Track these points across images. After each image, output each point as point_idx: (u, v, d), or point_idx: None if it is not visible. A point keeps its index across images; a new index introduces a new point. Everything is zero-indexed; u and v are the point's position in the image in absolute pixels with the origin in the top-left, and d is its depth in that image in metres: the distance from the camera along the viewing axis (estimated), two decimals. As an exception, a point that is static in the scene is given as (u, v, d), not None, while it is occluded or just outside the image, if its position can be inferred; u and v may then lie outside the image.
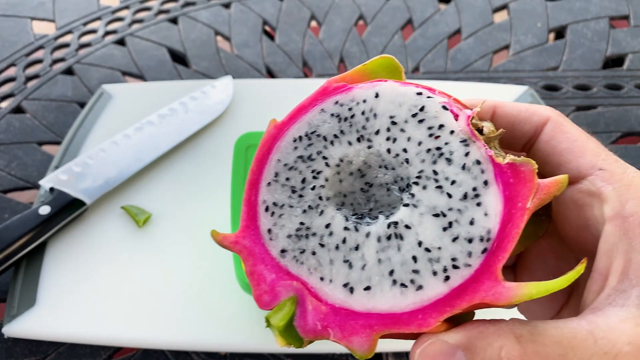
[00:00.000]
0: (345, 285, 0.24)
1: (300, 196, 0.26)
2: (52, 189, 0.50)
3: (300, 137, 0.27)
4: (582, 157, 0.25)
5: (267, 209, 0.26)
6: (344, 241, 0.25)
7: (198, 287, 0.47)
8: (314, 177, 0.26)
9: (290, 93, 0.61)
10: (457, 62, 0.67)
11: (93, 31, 0.71)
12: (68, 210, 0.49)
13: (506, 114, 0.27)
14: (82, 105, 0.62)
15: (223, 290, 0.46)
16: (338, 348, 0.43)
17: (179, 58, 0.68)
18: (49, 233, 0.48)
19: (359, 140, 0.26)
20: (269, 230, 0.26)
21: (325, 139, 0.27)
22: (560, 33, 0.72)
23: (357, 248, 0.24)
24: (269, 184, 0.27)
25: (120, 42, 0.70)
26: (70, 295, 0.46)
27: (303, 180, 0.26)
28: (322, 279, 0.24)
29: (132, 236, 0.50)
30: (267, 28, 0.73)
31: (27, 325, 0.44)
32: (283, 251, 0.25)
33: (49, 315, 0.45)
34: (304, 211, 0.26)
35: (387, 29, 0.71)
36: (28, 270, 0.47)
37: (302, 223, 0.26)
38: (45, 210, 0.48)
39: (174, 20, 0.72)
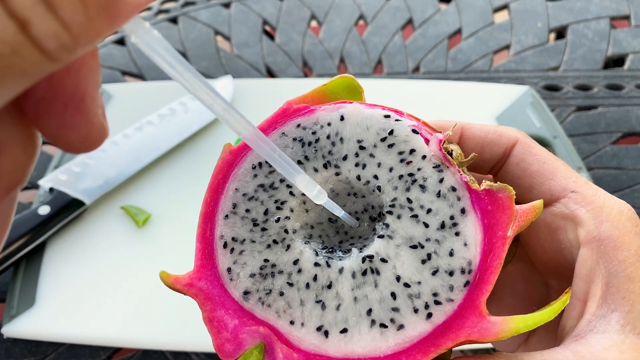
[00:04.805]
0: (319, 328, 0.22)
1: (263, 229, 0.23)
2: (51, 189, 0.50)
3: (260, 164, 0.24)
4: (553, 180, 0.25)
5: (225, 245, 0.23)
6: (315, 279, 0.22)
7: (198, 287, 0.47)
8: (278, 208, 0.24)
9: (290, 93, 0.61)
10: (457, 62, 0.67)
11: (93, 31, 0.71)
12: (67, 210, 0.49)
13: (474, 136, 0.26)
14: (81, 105, 0.62)
15: (223, 291, 0.46)
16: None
17: (179, 58, 0.68)
18: (49, 233, 0.48)
19: (325, 166, 0.24)
20: (229, 270, 0.23)
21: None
22: (560, 33, 0.72)
23: (330, 286, 0.22)
24: (226, 216, 0.24)
25: (120, 41, 0.70)
26: (70, 296, 0.46)
27: (265, 212, 0.24)
28: (292, 322, 0.22)
29: (132, 236, 0.50)
30: (267, 28, 0.72)
31: (26, 326, 0.44)
32: (246, 293, 0.23)
33: (48, 316, 0.45)
34: (268, 246, 0.23)
35: (387, 28, 0.71)
36: (27, 270, 0.47)
37: (266, 260, 0.23)
38: (44, 210, 0.48)
39: (173, 20, 0.72)
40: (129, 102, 0.60)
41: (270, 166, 0.24)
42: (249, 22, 0.72)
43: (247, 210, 0.24)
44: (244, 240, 0.23)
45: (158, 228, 0.50)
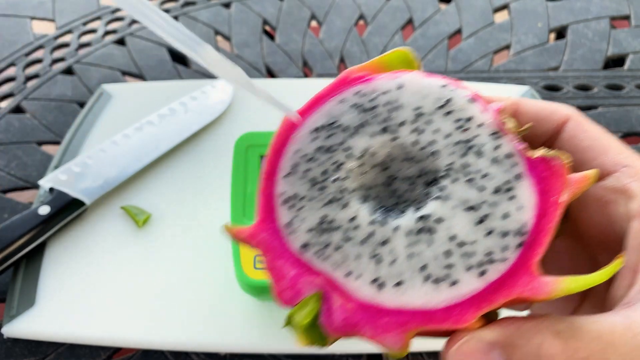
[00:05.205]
0: (373, 281, 0.23)
1: (322, 188, 0.25)
2: (51, 189, 0.50)
3: (320, 128, 0.26)
4: (605, 155, 0.25)
5: (285, 202, 0.25)
6: (370, 235, 0.24)
7: (198, 287, 0.47)
8: (336, 169, 0.25)
9: (290, 93, 0.61)
10: (457, 62, 0.67)
11: (93, 31, 0.71)
12: (68, 210, 0.49)
13: (527, 111, 0.27)
14: (81, 105, 0.62)
15: (223, 290, 0.46)
16: (339, 348, 0.43)
17: (179, 58, 0.68)
18: (49, 233, 0.48)
19: (382, 131, 0.25)
20: (288, 224, 0.25)
21: (347, 130, 0.25)
22: (560, 33, 0.72)
23: (385, 242, 0.23)
24: (286, 175, 0.25)
25: (120, 41, 0.70)
26: (70, 296, 0.46)
27: (324, 172, 0.25)
28: (348, 274, 0.23)
29: (132, 236, 0.50)
30: (267, 28, 0.72)
31: (26, 326, 0.44)
32: (304, 246, 0.24)
33: (49, 316, 0.45)
34: (326, 204, 0.25)
35: (387, 28, 0.71)
36: (27, 270, 0.47)
37: (324, 216, 0.24)
38: (44, 210, 0.48)
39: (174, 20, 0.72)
40: (129, 102, 0.60)
41: (330, 130, 0.25)
42: (249, 22, 0.72)
43: (307, 170, 0.25)
44: (303, 197, 0.25)
45: (158, 228, 0.50)
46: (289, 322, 0.23)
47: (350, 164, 0.25)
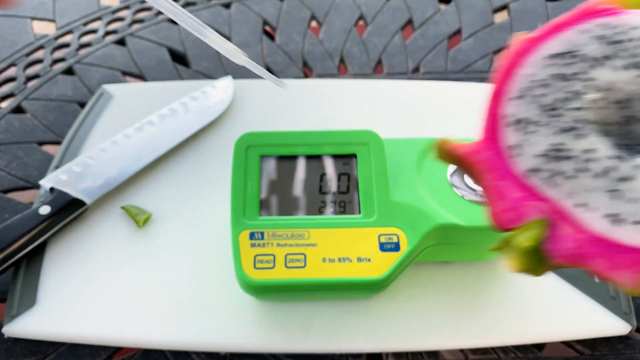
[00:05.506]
0: (609, 215, 0.22)
1: (555, 115, 0.23)
2: (52, 189, 0.50)
3: (557, 55, 0.24)
4: None
5: (513, 124, 0.24)
6: (610, 170, 0.22)
7: (198, 287, 0.47)
8: (572, 98, 0.24)
9: (290, 93, 0.61)
10: (457, 62, 0.67)
11: (93, 31, 0.71)
12: (68, 210, 0.49)
13: None
14: (82, 105, 0.62)
15: (223, 290, 0.46)
16: (340, 348, 0.43)
17: (179, 58, 0.68)
18: (49, 233, 0.48)
19: (629, 67, 0.23)
20: (514, 147, 0.24)
21: (587, 60, 0.24)
22: (560, 33, 0.72)
23: (626, 179, 0.22)
24: (516, 97, 0.24)
25: (121, 42, 0.70)
26: (70, 295, 0.46)
27: (559, 100, 0.24)
28: (579, 205, 0.22)
29: (132, 236, 0.50)
30: (267, 28, 0.73)
31: (27, 325, 0.44)
32: (532, 170, 0.23)
33: (49, 315, 0.45)
34: (560, 132, 0.23)
35: (387, 29, 0.71)
36: (28, 270, 0.47)
37: (557, 144, 0.23)
38: (45, 210, 0.48)
39: (174, 20, 0.72)
40: (129, 102, 0.60)
41: (569, 58, 0.24)
42: (249, 22, 0.72)
43: (540, 95, 0.24)
44: (533, 122, 0.24)
45: (158, 228, 0.50)
46: (504, 244, 0.22)
47: (590, 96, 0.24)
